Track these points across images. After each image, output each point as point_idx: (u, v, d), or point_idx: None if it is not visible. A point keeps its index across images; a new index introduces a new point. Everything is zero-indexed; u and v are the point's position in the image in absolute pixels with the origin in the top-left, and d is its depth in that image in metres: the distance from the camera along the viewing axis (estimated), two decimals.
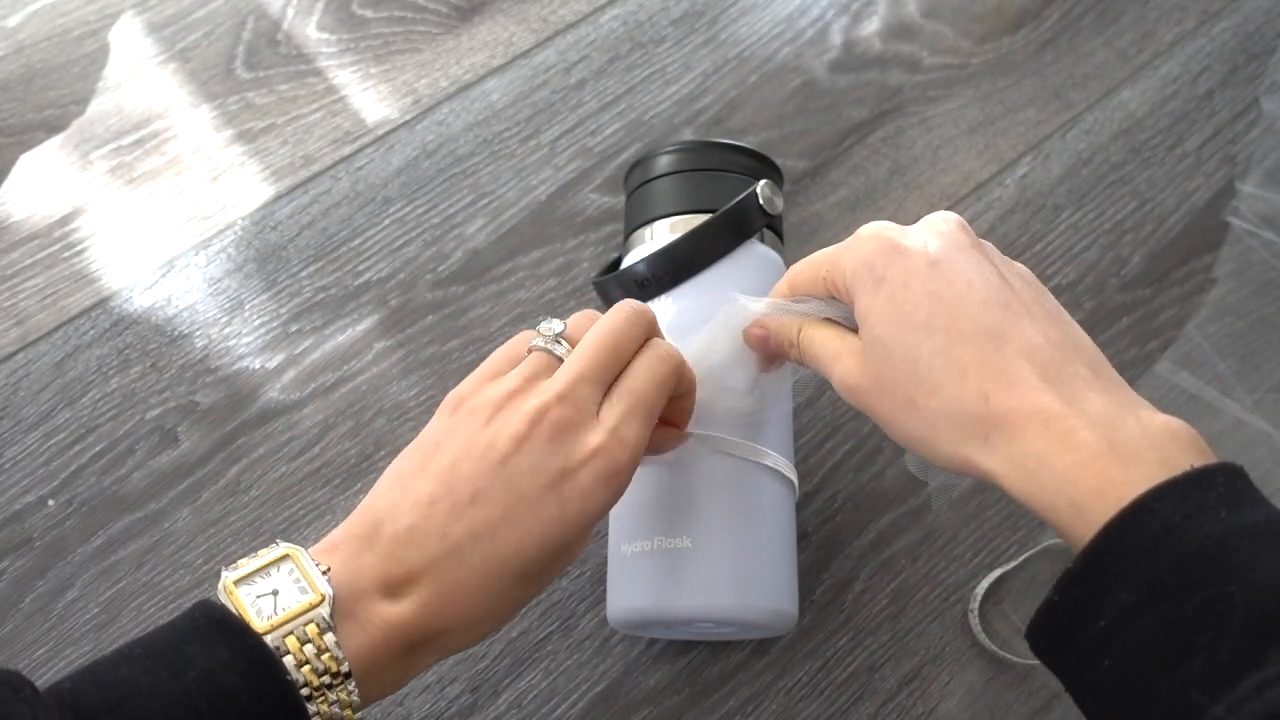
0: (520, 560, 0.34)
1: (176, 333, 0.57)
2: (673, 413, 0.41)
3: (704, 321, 0.45)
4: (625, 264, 0.51)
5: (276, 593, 0.32)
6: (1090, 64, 0.66)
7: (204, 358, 0.56)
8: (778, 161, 0.53)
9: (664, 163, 0.51)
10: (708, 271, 0.48)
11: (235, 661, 0.30)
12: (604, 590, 0.52)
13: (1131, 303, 0.60)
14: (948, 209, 0.62)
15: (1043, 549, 0.53)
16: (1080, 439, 0.31)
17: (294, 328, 0.57)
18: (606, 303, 0.51)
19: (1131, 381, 0.57)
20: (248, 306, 0.57)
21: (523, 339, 0.40)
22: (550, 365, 0.38)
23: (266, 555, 0.33)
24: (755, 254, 0.50)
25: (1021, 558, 0.53)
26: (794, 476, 0.47)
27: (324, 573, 0.33)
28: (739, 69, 0.65)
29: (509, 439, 0.35)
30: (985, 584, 0.52)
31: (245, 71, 0.64)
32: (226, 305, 0.57)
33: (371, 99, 0.63)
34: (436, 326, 0.57)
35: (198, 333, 0.57)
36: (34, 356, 0.56)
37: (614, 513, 0.46)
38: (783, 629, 0.47)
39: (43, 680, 0.50)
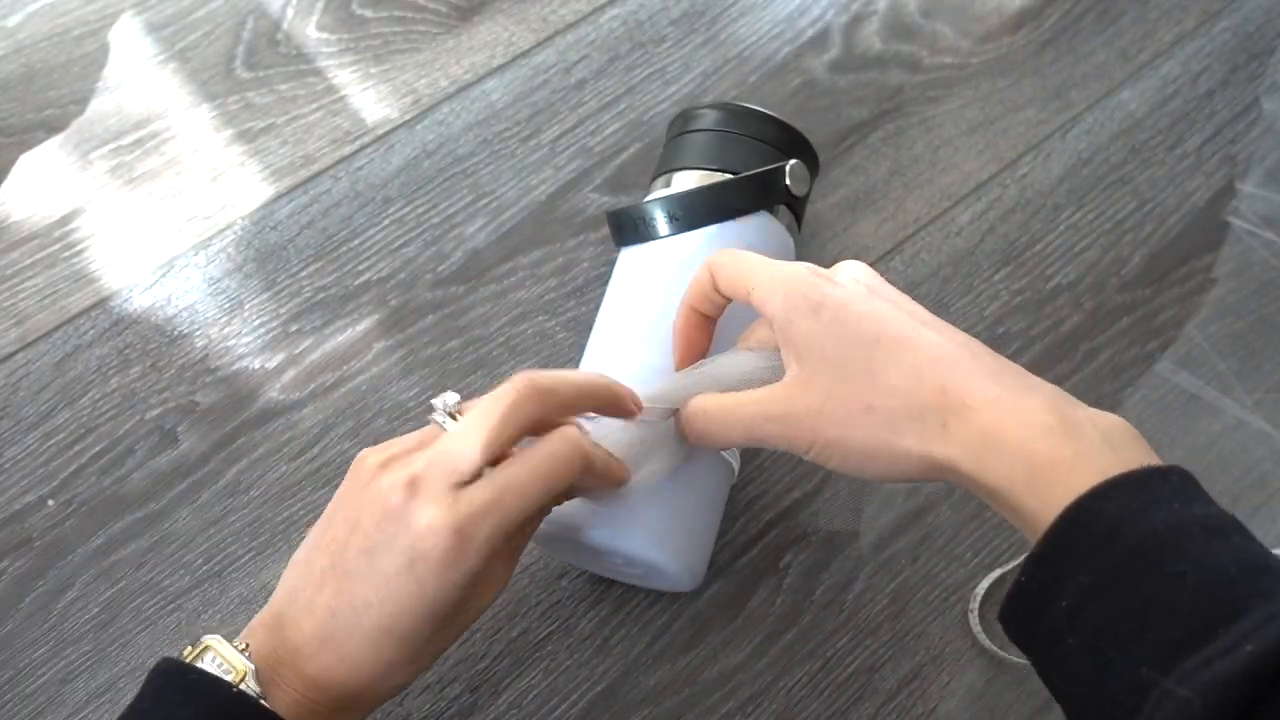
0: (400, 630, 0.35)
1: (176, 333, 0.57)
2: (596, 484, 0.40)
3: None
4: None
5: None
6: (1090, 64, 0.66)
7: (204, 358, 0.56)
8: None
9: (709, 118, 0.52)
10: (720, 230, 0.49)
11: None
12: (603, 590, 0.52)
13: (1131, 303, 0.60)
14: (948, 209, 0.62)
15: None
16: (1033, 417, 0.33)
17: (294, 328, 0.57)
18: (615, 234, 0.51)
19: (1131, 381, 0.58)
20: (247, 306, 0.57)
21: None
22: (435, 435, 0.38)
23: (190, 651, 0.36)
24: (770, 228, 0.50)
25: (1021, 558, 0.53)
26: (736, 463, 0.48)
27: (243, 650, 0.36)
28: (739, 69, 0.65)
29: (373, 517, 0.35)
30: (985, 584, 0.52)
31: (245, 71, 0.64)
32: (226, 305, 0.57)
33: (371, 99, 0.63)
34: (436, 326, 0.57)
35: (198, 333, 0.57)
36: (34, 356, 0.56)
37: None
38: (687, 586, 0.47)
39: (43, 678, 0.50)
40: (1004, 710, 0.50)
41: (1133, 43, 0.67)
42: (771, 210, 0.51)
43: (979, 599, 0.52)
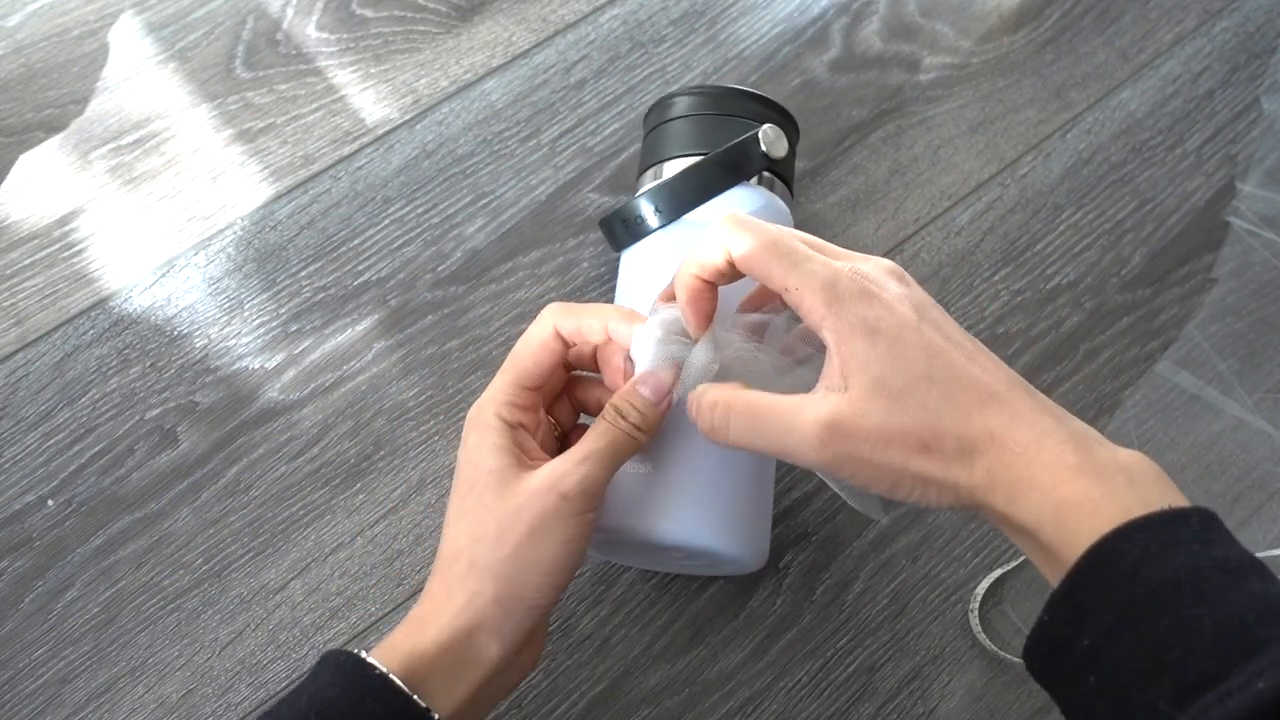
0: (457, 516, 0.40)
1: (176, 333, 0.57)
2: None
3: None
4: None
5: None
6: (1090, 64, 0.66)
7: (203, 358, 0.56)
8: None
9: (680, 105, 0.52)
10: (710, 210, 0.48)
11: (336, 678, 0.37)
12: (603, 590, 0.52)
13: (1132, 303, 0.60)
14: (948, 209, 0.62)
15: None
16: (1064, 459, 0.34)
17: (294, 328, 0.57)
18: (610, 239, 0.52)
19: (1132, 381, 0.58)
20: (247, 306, 0.57)
21: None
22: None
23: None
24: (762, 199, 0.50)
25: (1021, 558, 0.53)
26: None
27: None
28: (739, 69, 0.65)
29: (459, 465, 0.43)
30: (985, 584, 0.52)
31: (245, 71, 0.64)
32: (226, 305, 0.57)
33: (371, 99, 0.63)
34: (436, 326, 0.57)
35: (197, 333, 0.57)
36: (33, 356, 0.56)
37: None
38: (751, 567, 0.47)
39: (43, 678, 0.50)
40: (1004, 710, 0.50)
41: (1133, 43, 0.67)
42: (756, 179, 0.50)
43: (979, 599, 0.52)
